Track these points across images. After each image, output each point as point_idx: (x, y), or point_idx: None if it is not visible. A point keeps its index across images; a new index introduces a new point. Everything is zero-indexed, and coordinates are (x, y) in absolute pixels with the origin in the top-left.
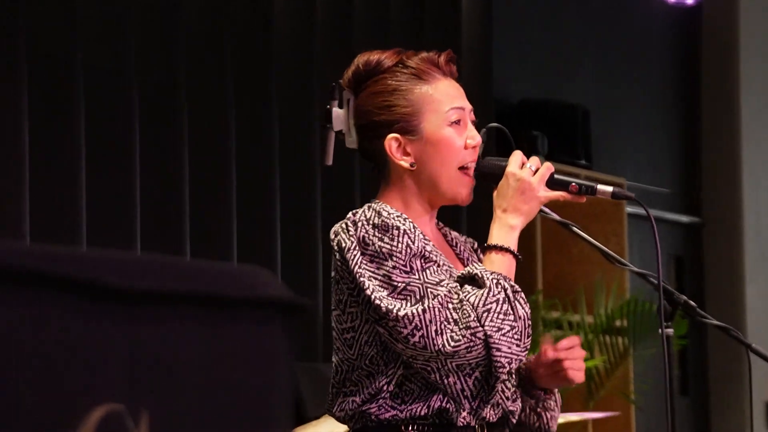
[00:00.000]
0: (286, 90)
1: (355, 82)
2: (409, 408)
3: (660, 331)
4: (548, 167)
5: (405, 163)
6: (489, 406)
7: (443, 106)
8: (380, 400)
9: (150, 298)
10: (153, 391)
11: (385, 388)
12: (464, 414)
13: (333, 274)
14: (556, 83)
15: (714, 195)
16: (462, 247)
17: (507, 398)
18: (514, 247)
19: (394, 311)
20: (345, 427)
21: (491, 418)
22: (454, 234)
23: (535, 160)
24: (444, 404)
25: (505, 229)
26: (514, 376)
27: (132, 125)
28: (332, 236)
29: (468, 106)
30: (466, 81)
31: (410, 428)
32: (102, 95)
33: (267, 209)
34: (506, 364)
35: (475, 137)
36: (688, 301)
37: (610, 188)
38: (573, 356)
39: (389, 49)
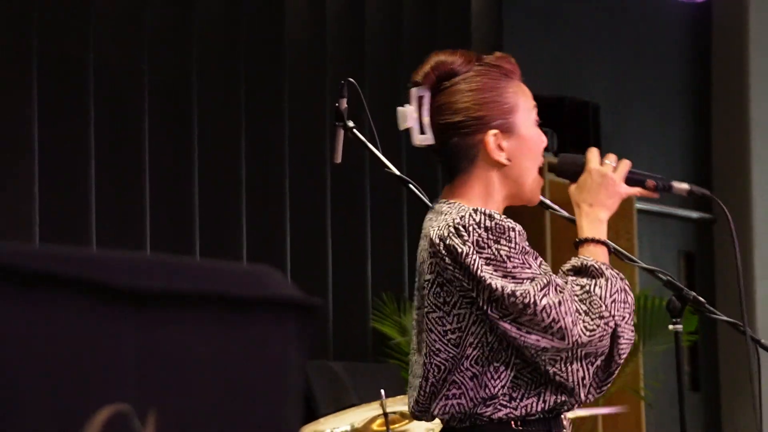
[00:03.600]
0: (297, 89)
1: (436, 80)
2: (523, 405)
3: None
4: (627, 164)
5: (502, 159)
6: (599, 394)
7: (529, 104)
8: (495, 402)
9: (159, 298)
10: (162, 391)
11: (499, 392)
12: (576, 405)
13: (432, 277)
14: (566, 79)
15: (724, 191)
16: None
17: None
18: (606, 239)
19: (533, 303)
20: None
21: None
22: None
23: (612, 157)
24: (559, 397)
25: (596, 223)
26: None
27: (142, 125)
28: (437, 241)
29: None
30: None
31: (519, 425)
32: (113, 95)
33: (276, 209)
34: (626, 350)
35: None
36: (697, 296)
37: (686, 185)
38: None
39: (459, 50)
